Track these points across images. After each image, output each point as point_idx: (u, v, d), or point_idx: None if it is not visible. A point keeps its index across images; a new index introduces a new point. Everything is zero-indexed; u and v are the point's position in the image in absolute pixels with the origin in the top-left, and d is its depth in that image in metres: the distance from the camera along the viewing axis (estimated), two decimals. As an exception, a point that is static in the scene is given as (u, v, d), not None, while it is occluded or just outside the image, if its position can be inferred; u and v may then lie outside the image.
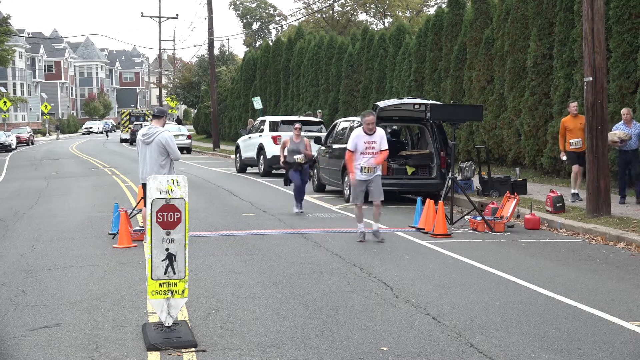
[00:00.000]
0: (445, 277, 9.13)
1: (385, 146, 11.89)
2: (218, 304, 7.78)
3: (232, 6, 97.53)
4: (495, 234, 12.62)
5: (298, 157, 15.10)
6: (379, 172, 11.93)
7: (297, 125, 15.52)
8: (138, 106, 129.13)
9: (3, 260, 10.38)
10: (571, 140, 15.36)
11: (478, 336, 6.67)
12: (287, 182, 15.70)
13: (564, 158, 15.75)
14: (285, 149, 15.49)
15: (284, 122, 24.95)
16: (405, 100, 17.07)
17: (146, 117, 61.49)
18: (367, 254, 10.69)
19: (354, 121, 18.36)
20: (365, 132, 11.78)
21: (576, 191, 15.47)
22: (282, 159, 15.49)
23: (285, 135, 24.56)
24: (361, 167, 11.72)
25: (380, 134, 11.88)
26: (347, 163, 12.00)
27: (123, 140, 61.30)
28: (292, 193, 15.44)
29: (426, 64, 27.52)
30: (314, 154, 20.69)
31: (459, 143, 24.62)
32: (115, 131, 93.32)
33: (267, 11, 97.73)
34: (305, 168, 15.44)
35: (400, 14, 71.31)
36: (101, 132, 78.69)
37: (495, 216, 13.19)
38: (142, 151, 11.35)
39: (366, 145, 11.74)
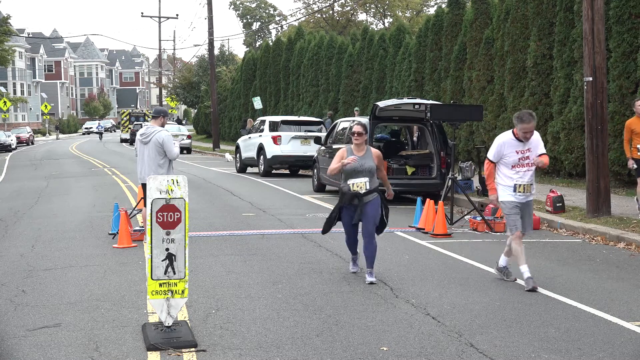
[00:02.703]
0: (445, 277, 9.12)
1: (544, 149, 8.86)
2: (218, 304, 7.78)
3: (232, 6, 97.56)
4: (495, 234, 12.62)
5: (356, 183, 8.81)
6: (534, 194, 8.93)
7: (358, 128, 8.92)
8: (138, 106, 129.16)
9: (3, 260, 10.38)
10: (638, 146, 12.78)
11: (478, 336, 6.67)
12: (329, 227, 9.28)
13: (634, 166, 12.85)
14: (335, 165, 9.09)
15: (284, 122, 24.95)
16: (405, 100, 17.06)
17: (146, 117, 61.51)
18: (367, 254, 10.67)
19: (353, 121, 18.35)
20: (516, 139, 8.66)
21: None
22: (336, 170, 9.04)
23: (286, 135, 24.74)
24: (515, 185, 8.64)
25: (536, 139, 8.74)
26: (487, 176, 8.89)
27: (123, 140, 61.33)
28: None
29: (426, 64, 27.52)
30: (315, 154, 20.73)
31: (459, 143, 24.62)
32: (115, 131, 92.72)
33: (267, 11, 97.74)
34: (370, 202, 8.91)
35: (400, 14, 71.33)
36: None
37: (495, 216, 13.19)
38: (141, 151, 11.39)
39: (519, 155, 8.64)
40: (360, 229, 9.12)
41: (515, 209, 8.68)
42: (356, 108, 32.06)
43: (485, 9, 24.28)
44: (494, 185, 8.81)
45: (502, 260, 9.00)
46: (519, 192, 8.66)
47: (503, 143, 8.69)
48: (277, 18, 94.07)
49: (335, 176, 9.37)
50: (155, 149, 11.19)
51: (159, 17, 68.77)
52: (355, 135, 8.93)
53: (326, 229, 9.29)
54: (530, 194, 8.72)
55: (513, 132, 8.73)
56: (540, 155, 8.68)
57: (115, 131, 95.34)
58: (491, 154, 8.79)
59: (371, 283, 8.78)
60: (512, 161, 8.64)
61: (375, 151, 9.08)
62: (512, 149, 8.65)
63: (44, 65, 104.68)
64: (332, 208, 9.28)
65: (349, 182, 8.84)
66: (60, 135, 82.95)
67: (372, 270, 8.88)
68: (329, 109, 34.96)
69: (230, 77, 55.90)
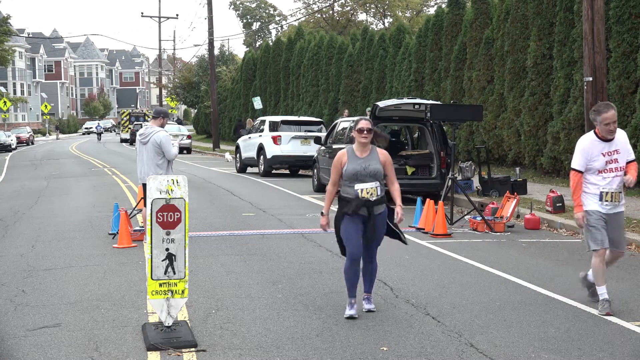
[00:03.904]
0: (445, 277, 9.12)
1: (633, 155, 7.69)
2: (218, 304, 7.78)
3: (232, 6, 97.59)
4: (495, 234, 12.61)
5: (366, 189, 7.32)
6: (623, 204, 7.71)
7: (364, 124, 7.38)
8: (138, 106, 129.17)
9: (3, 260, 10.38)
10: None
11: (478, 336, 6.67)
12: (342, 249, 7.72)
13: None
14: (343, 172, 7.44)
15: (284, 122, 24.96)
16: (405, 100, 17.06)
17: (146, 117, 61.52)
18: (367, 254, 10.66)
19: (353, 121, 18.35)
20: (600, 138, 7.50)
21: None
22: (329, 191, 7.59)
23: (286, 135, 24.75)
24: (602, 192, 7.48)
25: (623, 139, 7.59)
26: (573, 189, 7.57)
27: (123, 140, 61.34)
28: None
29: (426, 64, 27.52)
30: (315, 154, 20.72)
31: (459, 143, 24.63)
32: (114, 131, 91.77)
33: (267, 11, 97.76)
34: (379, 215, 7.43)
35: (400, 14, 71.35)
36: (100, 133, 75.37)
37: (495, 216, 13.18)
38: (140, 151, 11.44)
39: (606, 158, 7.46)
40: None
41: (600, 221, 7.47)
42: (368, 108, 30.74)
43: (485, 9, 24.29)
44: (580, 201, 7.51)
45: (605, 290, 7.53)
46: (606, 200, 7.47)
47: (588, 147, 7.47)
48: (277, 18, 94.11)
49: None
50: (154, 150, 11.22)
51: (159, 17, 68.74)
52: (365, 132, 7.31)
53: (343, 249, 7.66)
54: (618, 203, 7.55)
55: (595, 132, 7.55)
56: (628, 163, 7.52)
57: (114, 131, 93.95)
58: (576, 163, 7.50)
59: (369, 311, 7.47)
60: (599, 166, 7.45)
61: (382, 151, 7.51)
62: (597, 152, 7.46)
63: (44, 65, 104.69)
64: (335, 229, 7.55)
65: (356, 188, 7.29)
66: (60, 135, 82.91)
67: (371, 296, 7.57)
68: (345, 107, 33.77)
69: (230, 77, 55.92)
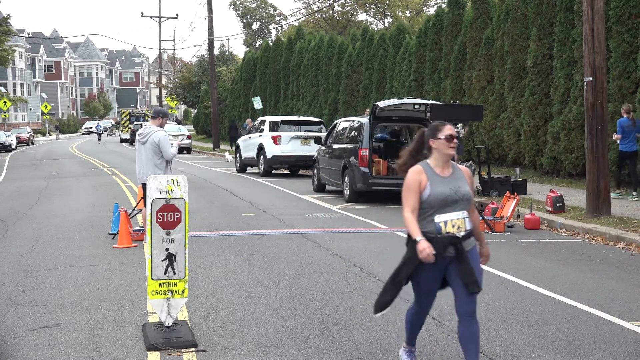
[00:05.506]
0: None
1: None
2: (218, 304, 7.79)
3: (232, 6, 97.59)
4: (495, 234, 12.61)
5: (452, 221, 5.42)
6: None
7: (450, 129, 5.54)
8: (138, 106, 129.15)
9: (3, 260, 10.38)
10: None
11: (478, 336, 6.66)
12: (384, 306, 5.65)
13: None
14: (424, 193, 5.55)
15: (284, 122, 24.98)
16: (405, 100, 17.06)
17: (146, 117, 61.51)
18: (367, 254, 10.68)
19: (353, 121, 18.37)
20: None
21: None
22: (410, 219, 5.50)
23: (286, 135, 24.78)
24: None
25: None
26: None
27: (123, 140, 61.32)
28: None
29: (426, 64, 27.53)
30: (315, 154, 20.71)
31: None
32: (114, 133, 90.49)
33: (267, 11, 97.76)
34: (471, 250, 5.48)
35: (400, 14, 71.36)
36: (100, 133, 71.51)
37: (495, 216, 13.19)
38: (139, 151, 11.46)
39: None
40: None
41: None
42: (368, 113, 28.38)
43: (485, 9, 24.29)
44: None
45: None
46: None
47: None
48: (277, 18, 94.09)
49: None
50: (152, 149, 11.23)
51: (159, 17, 68.69)
52: (454, 141, 5.51)
53: (380, 308, 5.64)
54: None
55: None
56: None
57: (114, 133, 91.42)
58: None
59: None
60: None
61: (463, 168, 5.69)
62: None
63: (44, 65, 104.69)
64: (398, 268, 5.58)
65: (438, 220, 5.42)
66: (60, 135, 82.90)
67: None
68: (366, 107, 32.28)
69: (230, 77, 55.92)
